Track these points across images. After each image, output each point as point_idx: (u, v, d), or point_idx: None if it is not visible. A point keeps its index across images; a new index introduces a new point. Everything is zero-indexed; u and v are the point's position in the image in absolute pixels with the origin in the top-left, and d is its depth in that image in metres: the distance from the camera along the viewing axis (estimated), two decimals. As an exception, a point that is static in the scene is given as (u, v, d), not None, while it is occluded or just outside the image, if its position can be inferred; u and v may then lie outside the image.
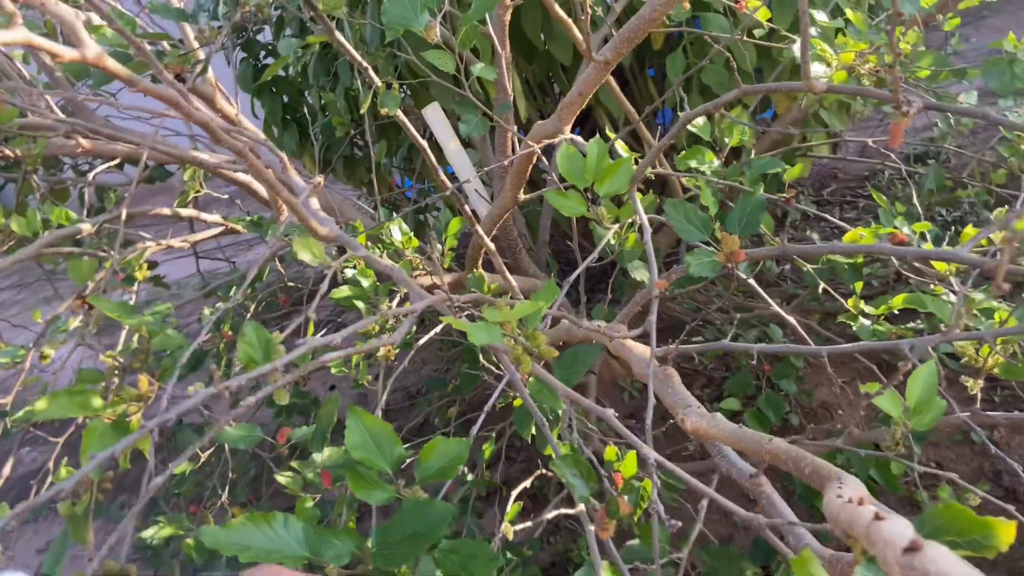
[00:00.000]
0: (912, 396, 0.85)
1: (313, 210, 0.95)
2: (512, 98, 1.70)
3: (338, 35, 1.23)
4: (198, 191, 1.57)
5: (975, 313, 1.28)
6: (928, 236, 1.45)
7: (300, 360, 0.69)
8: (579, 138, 1.34)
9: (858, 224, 2.88)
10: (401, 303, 1.74)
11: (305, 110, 3.24)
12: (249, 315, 2.00)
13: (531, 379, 1.12)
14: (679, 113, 2.31)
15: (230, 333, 1.94)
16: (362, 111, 1.21)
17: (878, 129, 3.09)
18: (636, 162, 1.53)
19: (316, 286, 2.48)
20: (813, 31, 1.74)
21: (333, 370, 1.61)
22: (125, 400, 1.07)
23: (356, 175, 3.26)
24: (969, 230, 1.44)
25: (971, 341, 1.14)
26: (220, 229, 1.67)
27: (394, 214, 2.06)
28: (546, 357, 0.67)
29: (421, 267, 1.92)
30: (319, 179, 0.92)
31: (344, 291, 1.66)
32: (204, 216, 1.57)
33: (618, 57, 1.24)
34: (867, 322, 1.33)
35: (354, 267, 1.75)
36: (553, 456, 1.19)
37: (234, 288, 1.90)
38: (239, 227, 1.47)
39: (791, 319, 1.24)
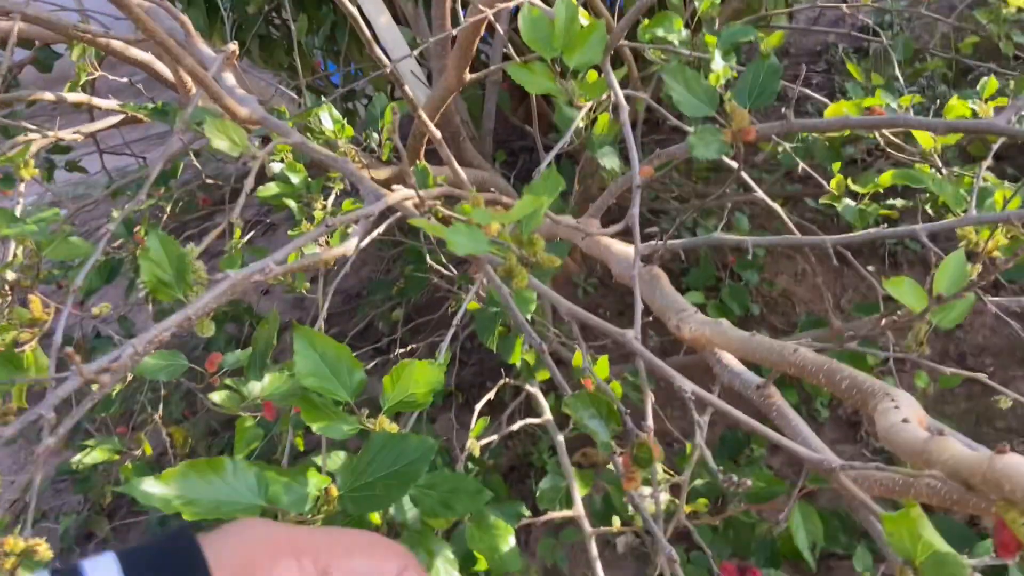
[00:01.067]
0: (940, 289, 0.76)
1: (229, 87, 0.77)
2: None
3: None
4: (91, 73, 1.33)
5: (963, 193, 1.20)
6: (912, 109, 1.35)
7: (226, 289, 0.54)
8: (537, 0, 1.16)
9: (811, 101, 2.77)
10: (338, 201, 1.57)
11: (212, -16, 2.89)
12: (165, 216, 1.80)
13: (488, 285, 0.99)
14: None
15: (145, 238, 1.73)
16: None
17: None
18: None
19: (239, 183, 2.26)
20: None
21: (266, 277, 1.45)
22: (15, 326, 0.90)
23: (274, 58, 2.96)
24: (955, 102, 1.34)
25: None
26: (119, 118, 1.44)
27: (322, 99, 1.85)
28: (547, 267, 0.54)
29: (357, 160, 1.74)
30: (232, 46, 0.74)
31: (272, 188, 1.47)
32: (98, 102, 1.34)
33: (584, -99, 1.05)
34: (852, 203, 1.23)
35: (281, 160, 1.56)
36: (528, 368, 1.07)
37: (145, 187, 1.68)
38: (141, 115, 1.26)
39: (777, 207, 1.13)
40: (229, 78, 0.79)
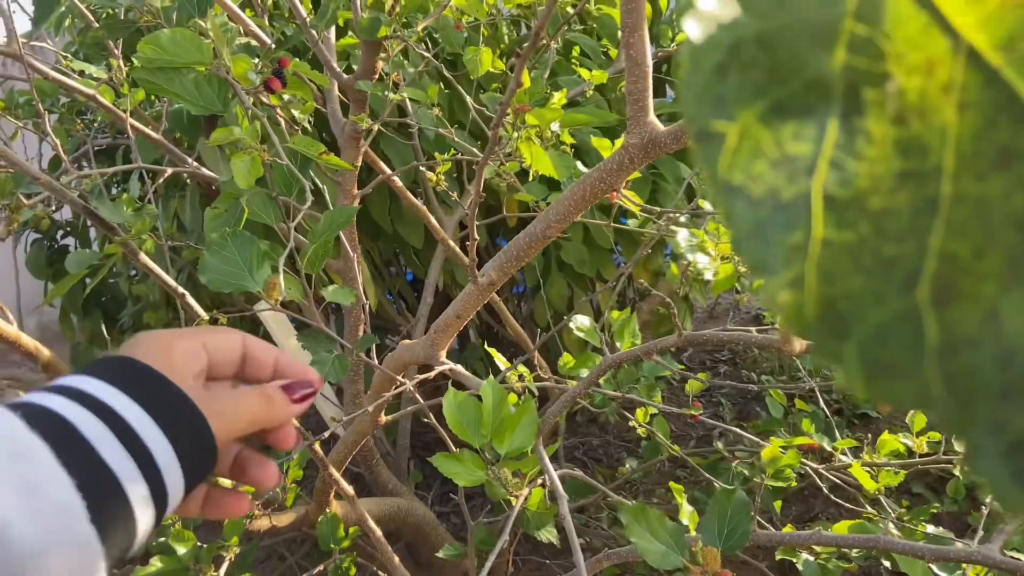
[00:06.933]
0: None
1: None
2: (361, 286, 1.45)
3: (145, 258, 0.94)
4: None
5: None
6: (848, 452, 1.31)
7: None
8: (460, 367, 1.09)
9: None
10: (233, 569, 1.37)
11: (111, 294, 2.83)
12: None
13: None
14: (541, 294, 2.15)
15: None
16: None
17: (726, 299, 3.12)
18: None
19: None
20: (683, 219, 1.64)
21: None
22: None
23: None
24: (887, 436, 1.33)
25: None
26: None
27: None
28: None
29: (256, 510, 1.55)
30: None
31: (155, 566, 1.27)
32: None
33: (503, 278, 1.03)
34: (810, 558, 1.14)
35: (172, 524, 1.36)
36: None
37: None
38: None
39: None
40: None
